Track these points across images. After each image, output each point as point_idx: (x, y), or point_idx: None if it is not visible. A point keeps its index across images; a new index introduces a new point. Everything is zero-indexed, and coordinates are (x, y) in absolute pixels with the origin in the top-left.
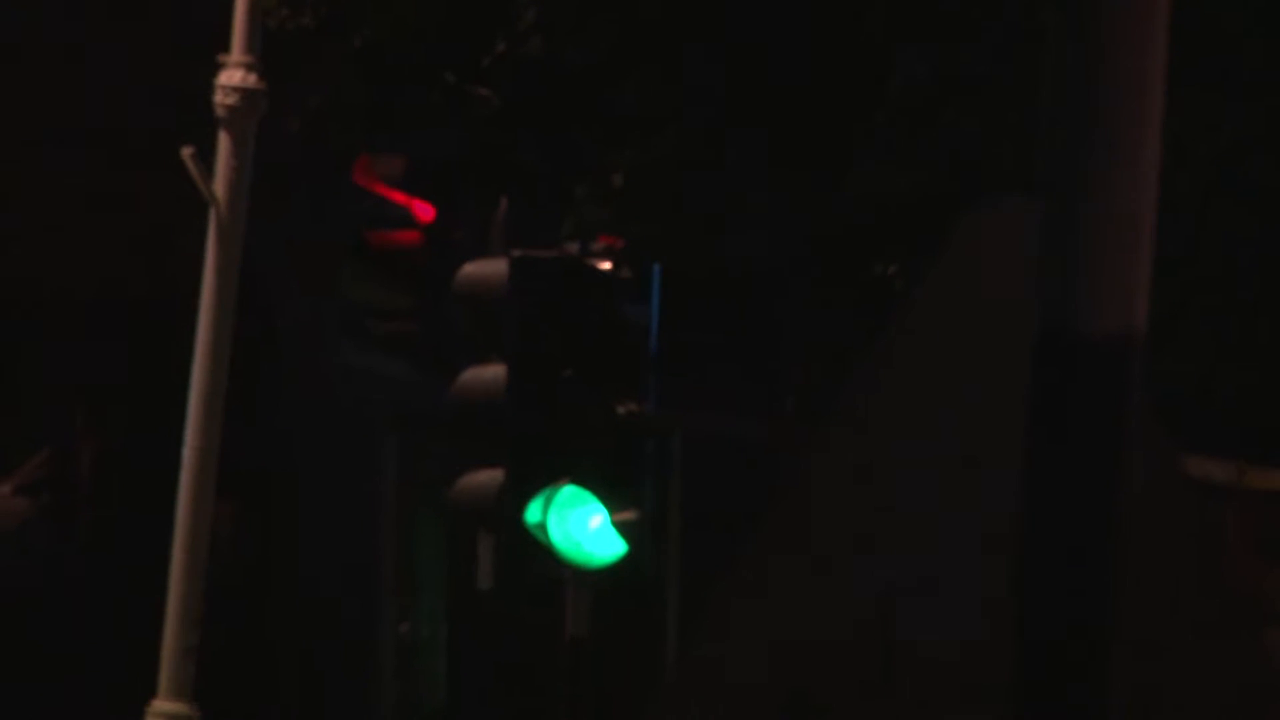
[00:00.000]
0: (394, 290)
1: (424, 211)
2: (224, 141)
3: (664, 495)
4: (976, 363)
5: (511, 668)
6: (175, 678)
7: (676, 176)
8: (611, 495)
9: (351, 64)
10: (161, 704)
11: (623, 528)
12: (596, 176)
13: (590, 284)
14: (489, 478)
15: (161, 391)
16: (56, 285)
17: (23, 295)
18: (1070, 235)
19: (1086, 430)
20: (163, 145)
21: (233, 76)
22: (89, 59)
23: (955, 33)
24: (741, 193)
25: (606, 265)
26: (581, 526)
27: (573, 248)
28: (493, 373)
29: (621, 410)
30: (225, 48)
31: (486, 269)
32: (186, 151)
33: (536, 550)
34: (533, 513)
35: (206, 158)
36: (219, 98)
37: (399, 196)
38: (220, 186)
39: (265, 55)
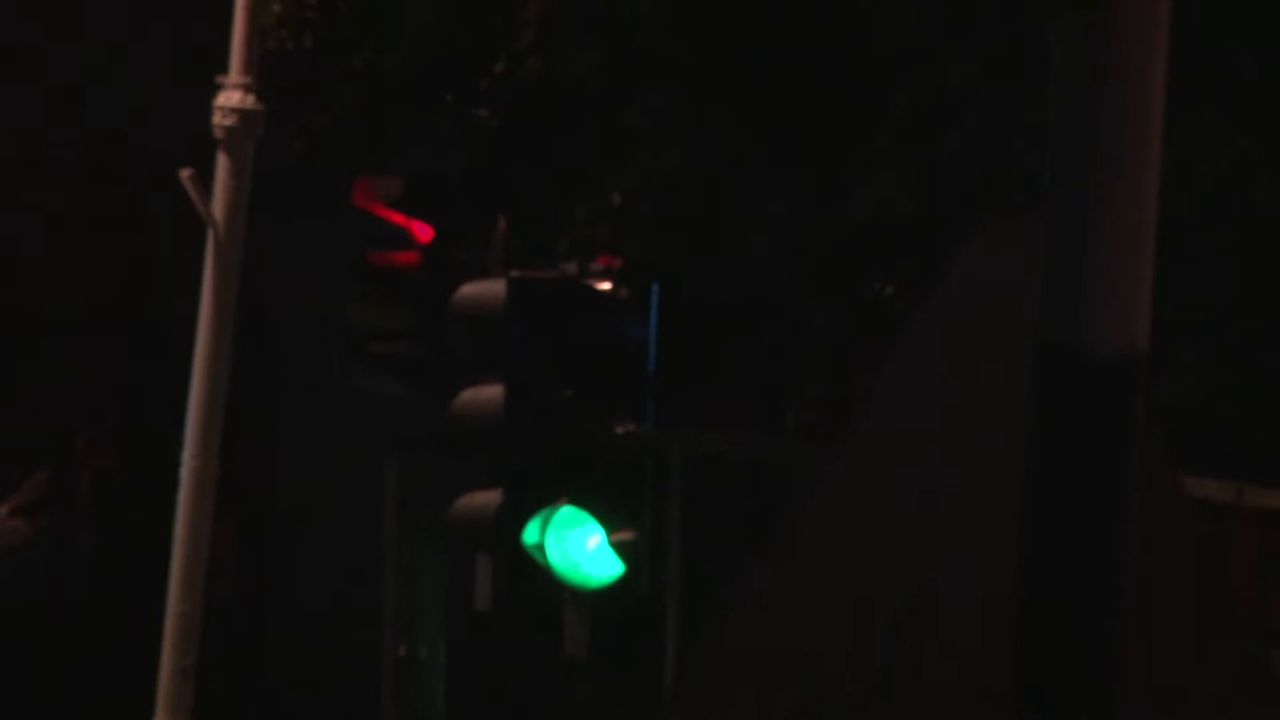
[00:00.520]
0: (392, 310)
1: (422, 232)
2: (222, 162)
3: (663, 515)
4: (978, 380)
5: (510, 689)
6: (172, 697)
7: (676, 194)
8: (609, 515)
9: (351, 85)
10: None
11: (620, 548)
12: (595, 196)
13: (588, 304)
14: (487, 498)
15: (161, 413)
16: (56, 306)
17: (23, 316)
18: (1072, 254)
19: (1087, 447)
20: (163, 166)
21: (230, 98)
22: (90, 79)
23: (957, 52)
24: (742, 211)
25: (605, 285)
26: (579, 547)
27: (571, 268)
28: (491, 393)
29: (620, 430)
30: (224, 69)
31: (485, 289)
32: (185, 173)
33: (534, 571)
34: (530, 533)
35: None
36: (217, 119)
37: (397, 217)
38: (218, 207)
39: (264, 76)
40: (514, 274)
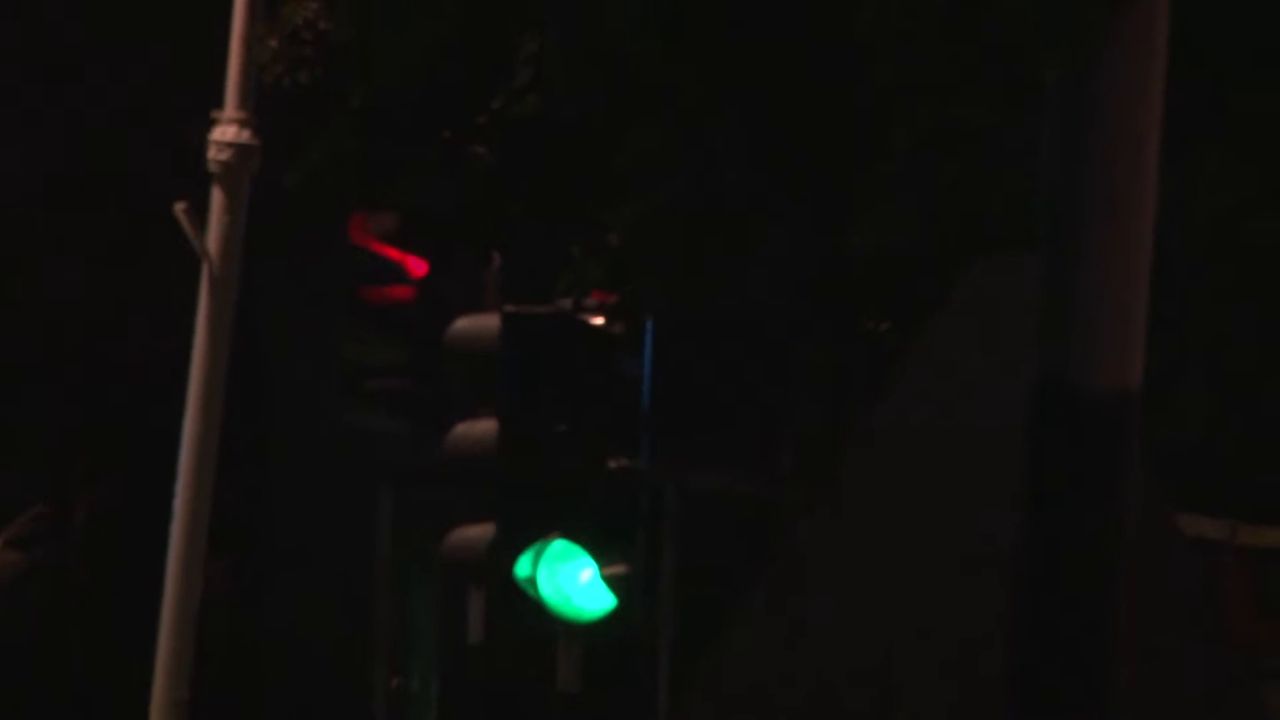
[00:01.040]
0: (387, 345)
1: (417, 267)
2: (217, 196)
3: (656, 549)
4: (975, 416)
5: None
6: None
7: (674, 232)
8: (601, 549)
9: (348, 121)
10: None
11: (612, 582)
12: (591, 233)
13: (582, 339)
14: (480, 532)
15: (156, 447)
16: (54, 340)
17: (19, 350)
18: (1067, 291)
19: (1082, 484)
20: (161, 200)
21: (226, 132)
22: (89, 111)
23: (956, 88)
24: (741, 248)
25: (599, 320)
26: (572, 581)
27: (565, 303)
28: (484, 427)
29: (613, 464)
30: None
31: (479, 324)
32: (180, 207)
33: (527, 604)
34: (523, 567)
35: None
36: (212, 153)
37: (392, 252)
38: (213, 241)
39: (261, 111)
40: (508, 309)
